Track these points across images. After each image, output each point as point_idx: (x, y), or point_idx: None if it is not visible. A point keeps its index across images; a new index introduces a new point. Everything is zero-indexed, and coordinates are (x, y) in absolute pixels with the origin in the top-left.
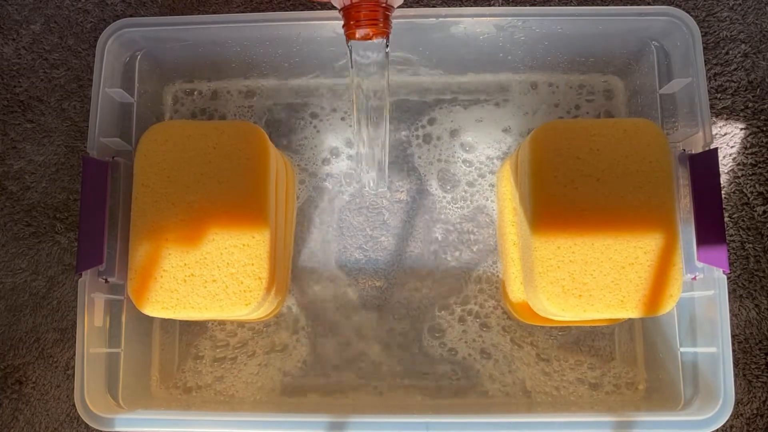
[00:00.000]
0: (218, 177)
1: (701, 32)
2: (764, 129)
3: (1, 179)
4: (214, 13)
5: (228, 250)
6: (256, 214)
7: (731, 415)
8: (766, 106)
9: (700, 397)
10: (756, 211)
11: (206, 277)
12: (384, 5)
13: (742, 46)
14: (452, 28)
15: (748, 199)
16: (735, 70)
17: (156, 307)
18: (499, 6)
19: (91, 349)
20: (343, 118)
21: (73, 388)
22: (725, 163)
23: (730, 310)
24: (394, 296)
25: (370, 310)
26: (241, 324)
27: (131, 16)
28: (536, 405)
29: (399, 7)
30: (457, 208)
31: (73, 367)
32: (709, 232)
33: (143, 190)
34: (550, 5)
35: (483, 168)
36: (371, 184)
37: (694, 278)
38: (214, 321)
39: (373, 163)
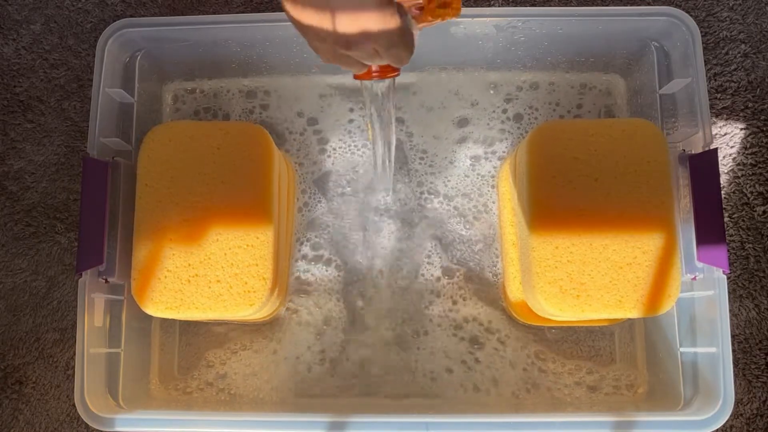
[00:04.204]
0: (222, 177)
1: (701, 32)
2: (764, 129)
3: (1, 179)
4: (214, 13)
5: (232, 250)
6: (260, 215)
7: (731, 415)
8: (766, 106)
9: (700, 397)
10: (756, 211)
11: (210, 277)
12: None
13: (742, 46)
14: (452, 29)
15: (748, 199)
16: (735, 70)
17: (160, 307)
18: (499, 6)
19: (91, 349)
20: (342, 118)
21: (73, 388)
22: (725, 163)
23: (730, 310)
24: (393, 296)
25: (370, 310)
26: (241, 324)
27: (131, 16)
28: (536, 405)
29: None
30: (458, 208)
31: (73, 367)
32: (709, 232)
33: (146, 190)
34: (550, 5)
35: (483, 169)
36: (382, 194)
37: (694, 278)
38: (215, 321)
39: (382, 174)
